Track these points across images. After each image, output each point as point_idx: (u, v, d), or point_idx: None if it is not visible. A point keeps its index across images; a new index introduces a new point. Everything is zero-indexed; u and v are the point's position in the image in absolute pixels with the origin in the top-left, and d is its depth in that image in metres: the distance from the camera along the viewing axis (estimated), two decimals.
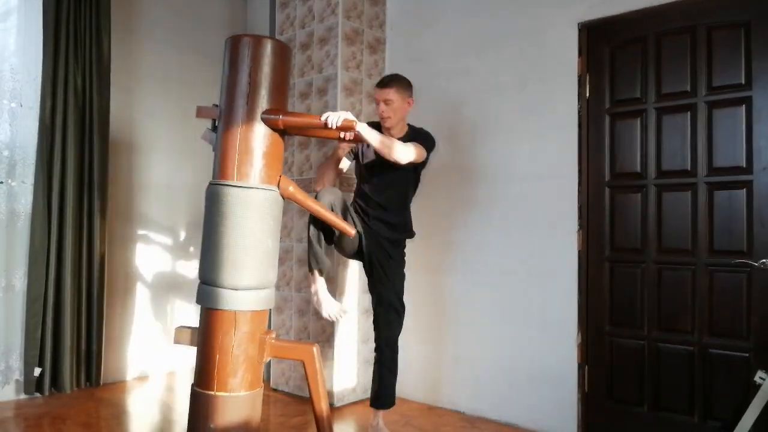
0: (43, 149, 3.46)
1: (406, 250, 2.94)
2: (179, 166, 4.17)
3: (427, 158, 2.75)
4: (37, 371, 3.44)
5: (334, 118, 2.16)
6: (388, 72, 3.89)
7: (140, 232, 4.10)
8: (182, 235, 4.28)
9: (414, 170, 2.80)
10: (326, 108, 3.63)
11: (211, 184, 2.02)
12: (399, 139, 2.71)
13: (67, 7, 3.55)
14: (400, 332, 2.85)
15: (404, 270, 2.89)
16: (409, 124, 2.84)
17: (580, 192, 3.05)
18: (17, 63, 3.47)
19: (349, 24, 3.67)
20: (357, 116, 3.64)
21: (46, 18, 3.48)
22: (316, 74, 3.72)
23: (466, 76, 3.47)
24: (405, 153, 2.56)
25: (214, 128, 2.07)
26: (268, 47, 2.01)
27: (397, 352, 2.83)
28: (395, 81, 2.73)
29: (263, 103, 2.01)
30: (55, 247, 3.50)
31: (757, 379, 2.44)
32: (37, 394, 3.49)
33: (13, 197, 3.46)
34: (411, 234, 2.92)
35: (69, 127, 3.57)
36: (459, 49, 3.52)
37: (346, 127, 2.20)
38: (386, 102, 2.70)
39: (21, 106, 3.48)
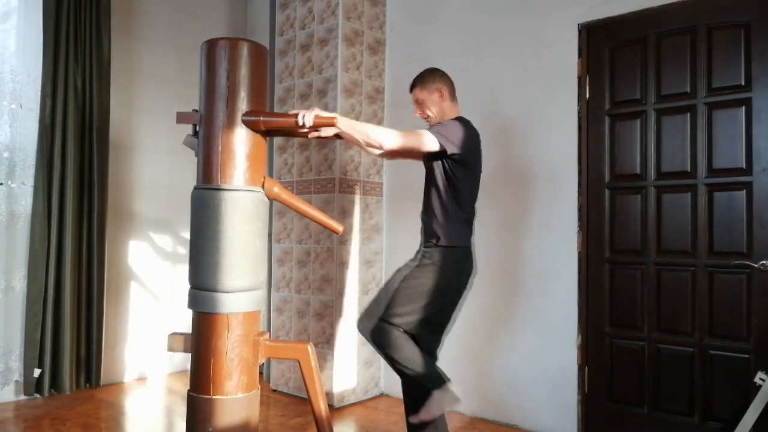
0: (43, 150, 3.47)
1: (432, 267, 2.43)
2: (179, 166, 4.17)
3: (450, 150, 2.37)
4: (36, 372, 3.45)
5: (308, 118, 2.05)
6: (388, 73, 3.90)
7: (140, 233, 4.10)
8: (183, 235, 4.28)
9: (440, 163, 2.46)
10: (326, 109, 3.63)
11: (195, 188, 2.03)
12: None
13: (67, 8, 3.55)
14: (383, 340, 2.37)
15: (415, 283, 2.40)
16: (459, 117, 2.56)
17: (579, 193, 3.05)
18: (17, 64, 3.47)
19: (349, 25, 3.67)
20: (356, 118, 3.66)
21: (46, 19, 3.49)
22: (316, 75, 3.72)
23: (466, 77, 3.45)
24: (387, 137, 2.28)
25: (195, 133, 2.08)
26: (244, 49, 2.02)
27: (388, 354, 2.39)
28: (418, 79, 2.60)
29: (243, 105, 2.01)
30: (55, 248, 3.50)
31: (757, 380, 2.44)
32: (37, 395, 3.49)
33: (13, 199, 3.46)
34: (436, 244, 2.45)
35: (69, 128, 3.57)
36: (459, 50, 3.52)
37: (323, 125, 2.11)
38: (417, 103, 2.60)
39: (21, 107, 3.49)
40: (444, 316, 2.56)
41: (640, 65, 2.92)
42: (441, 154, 2.41)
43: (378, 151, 2.56)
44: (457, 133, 2.43)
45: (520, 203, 3.23)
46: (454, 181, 2.44)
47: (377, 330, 2.39)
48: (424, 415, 2.35)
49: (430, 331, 2.54)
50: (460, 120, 2.52)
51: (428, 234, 2.50)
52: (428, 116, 2.58)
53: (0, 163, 3.41)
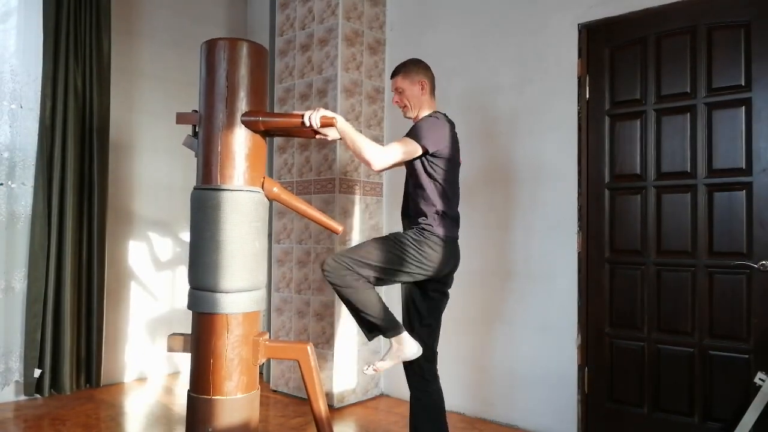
0: (43, 151, 3.47)
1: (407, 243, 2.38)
2: (179, 166, 4.17)
3: (432, 149, 2.38)
4: (36, 373, 3.45)
5: (315, 117, 2.13)
6: (388, 73, 3.89)
7: (140, 233, 4.10)
8: (182, 236, 4.28)
9: (421, 162, 2.44)
10: (326, 109, 3.62)
11: (195, 189, 2.03)
12: None
13: (67, 8, 3.55)
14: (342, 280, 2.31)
15: (382, 245, 2.37)
16: (433, 112, 2.54)
17: (579, 193, 3.05)
18: (17, 64, 3.47)
19: (349, 25, 3.67)
20: (356, 118, 3.66)
21: (46, 19, 3.49)
22: (316, 75, 3.72)
23: (465, 77, 3.47)
24: (377, 156, 2.28)
25: (195, 134, 2.08)
26: (243, 49, 2.02)
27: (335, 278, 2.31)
28: (402, 67, 2.59)
29: (242, 105, 2.01)
30: (55, 248, 3.50)
31: (757, 380, 2.44)
32: (37, 396, 3.49)
33: (13, 199, 3.46)
34: (416, 223, 2.44)
35: (69, 128, 3.57)
36: (459, 50, 3.52)
37: (326, 125, 2.17)
38: (397, 91, 2.58)
39: (21, 107, 3.49)
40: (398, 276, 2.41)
41: (640, 65, 2.91)
42: (422, 154, 2.41)
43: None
44: (435, 130, 2.43)
45: (519, 203, 3.23)
46: (436, 178, 2.44)
47: (329, 264, 2.31)
48: (383, 365, 2.37)
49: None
50: (436, 115, 2.51)
51: (411, 222, 2.48)
52: (405, 106, 2.58)
53: (0, 164, 3.41)
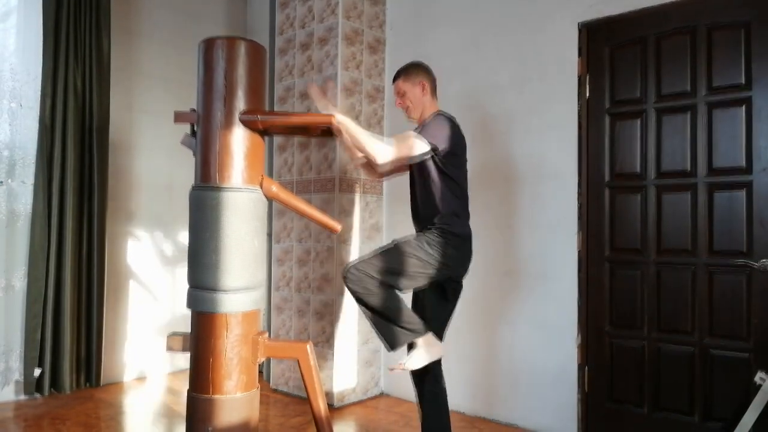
0: (43, 149, 3.47)
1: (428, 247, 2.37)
2: (179, 166, 4.16)
3: (441, 147, 2.40)
4: (36, 372, 3.45)
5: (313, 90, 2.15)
6: (388, 72, 3.89)
7: (140, 232, 4.10)
8: (182, 235, 4.28)
9: (432, 160, 2.44)
10: (327, 110, 3.61)
11: (193, 188, 2.03)
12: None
13: (66, 7, 3.55)
14: (369, 299, 2.30)
15: (404, 252, 2.34)
16: (438, 112, 2.57)
17: (579, 192, 3.05)
18: (17, 63, 3.47)
19: (349, 24, 3.66)
20: (356, 117, 3.66)
21: (45, 18, 3.49)
22: (316, 74, 3.72)
23: (466, 76, 3.47)
24: (381, 152, 2.31)
25: (193, 133, 2.08)
26: (241, 48, 2.02)
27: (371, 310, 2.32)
28: (402, 71, 2.64)
29: (240, 104, 2.01)
30: (55, 247, 3.50)
31: (757, 379, 2.44)
32: (37, 395, 3.50)
33: (13, 197, 3.46)
34: (432, 223, 2.44)
35: (69, 127, 3.57)
36: (459, 50, 3.52)
37: (320, 122, 2.19)
38: (399, 94, 2.63)
39: (21, 106, 3.49)
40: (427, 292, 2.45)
41: (640, 64, 2.91)
42: (432, 152, 2.43)
43: (362, 160, 2.62)
44: (443, 129, 2.47)
45: (519, 202, 3.23)
46: (451, 177, 2.47)
47: (352, 273, 2.29)
48: (412, 364, 2.34)
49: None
50: (441, 114, 2.55)
51: (428, 223, 2.47)
52: (408, 107, 2.62)
53: (0, 162, 3.41)
